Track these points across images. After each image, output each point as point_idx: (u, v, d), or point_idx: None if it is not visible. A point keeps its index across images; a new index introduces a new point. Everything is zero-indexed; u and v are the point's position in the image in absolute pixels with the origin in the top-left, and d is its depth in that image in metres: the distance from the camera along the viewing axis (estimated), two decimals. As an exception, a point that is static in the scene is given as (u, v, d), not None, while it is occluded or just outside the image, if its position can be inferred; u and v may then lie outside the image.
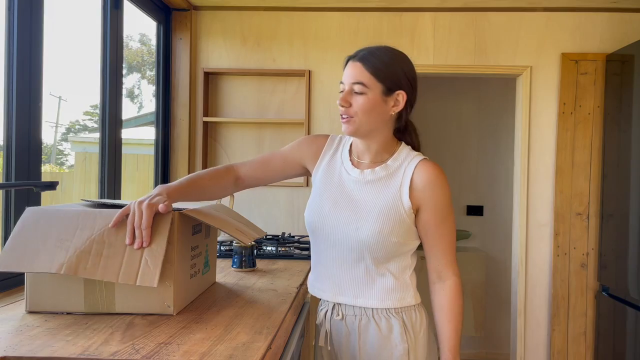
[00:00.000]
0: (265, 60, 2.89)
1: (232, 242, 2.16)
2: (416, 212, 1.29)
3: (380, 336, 1.31)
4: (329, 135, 1.45)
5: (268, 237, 2.49)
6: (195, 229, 1.33)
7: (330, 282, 1.36)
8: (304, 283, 1.64)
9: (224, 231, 1.25)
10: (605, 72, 2.74)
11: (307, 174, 1.46)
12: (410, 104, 1.31)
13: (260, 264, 1.95)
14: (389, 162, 1.32)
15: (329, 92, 2.86)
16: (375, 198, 1.29)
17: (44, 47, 1.67)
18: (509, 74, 2.83)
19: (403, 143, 1.36)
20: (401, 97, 1.28)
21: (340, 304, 1.35)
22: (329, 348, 1.38)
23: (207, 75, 2.91)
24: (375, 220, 1.26)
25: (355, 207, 1.30)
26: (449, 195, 1.29)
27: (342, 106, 1.27)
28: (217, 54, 2.91)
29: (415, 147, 1.36)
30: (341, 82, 1.30)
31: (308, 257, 2.10)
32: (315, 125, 2.86)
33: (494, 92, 3.90)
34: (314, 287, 1.41)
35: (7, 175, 1.55)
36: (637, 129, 2.41)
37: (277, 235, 2.55)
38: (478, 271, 3.61)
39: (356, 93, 1.26)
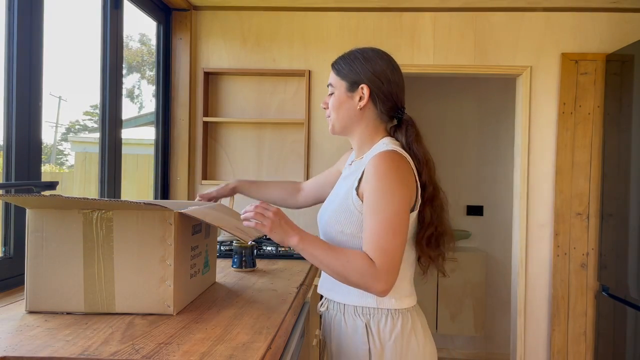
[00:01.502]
0: (265, 60, 2.89)
1: (232, 242, 2.16)
2: None
3: (346, 334, 1.33)
4: None
5: (268, 237, 2.48)
6: (195, 229, 1.33)
7: (322, 274, 1.45)
8: (304, 283, 1.64)
9: (224, 230, 1.25)
10: (605, 72, 2.74)
11: None
12: (381, 98, 1.32)
13: (260, 264, 1.95)
14: (364, 156, 1.35)
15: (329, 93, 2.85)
16: (339, 190, 1.37)
17: (44, 47, 1.67)
18: (509, 74, 2.83)
19: (385, 138, 1.35)
20: (365, 90, 1.32)
21: (327, 298, 1.42)
22: (321, 337, 1.46)
23: (207, 75, 2.91)
24: (331, 210, 1.34)
25: (331, 202, 1.39)
26: (383, 185, 1.20)
27: (324, 109, 1.41)
28: (217, 54, 2.91)
29: (406, 144, 1.34)
30: None
31: (308, 257, 2.10)
32: (315, 126, 2.86)
33: (494, 92, 3.90)
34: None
35: (7, 175, 1.55)
36: (637, 129, 2.41)
37: (277, 235, 2.55)
38: (478, 271, 3.61)
39: (329, 95, 1.39)
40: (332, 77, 1.37)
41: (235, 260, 1.80)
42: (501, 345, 3.81)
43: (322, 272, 1.43)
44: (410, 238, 1.32)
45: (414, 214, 1.30)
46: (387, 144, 1.31)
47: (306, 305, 1.66)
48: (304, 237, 1.21)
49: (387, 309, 1.30)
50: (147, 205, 1.13)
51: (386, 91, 1.32)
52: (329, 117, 1.38)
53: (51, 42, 1.71)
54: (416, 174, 1.30)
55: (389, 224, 1.18)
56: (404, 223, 1.20)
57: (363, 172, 1.26)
